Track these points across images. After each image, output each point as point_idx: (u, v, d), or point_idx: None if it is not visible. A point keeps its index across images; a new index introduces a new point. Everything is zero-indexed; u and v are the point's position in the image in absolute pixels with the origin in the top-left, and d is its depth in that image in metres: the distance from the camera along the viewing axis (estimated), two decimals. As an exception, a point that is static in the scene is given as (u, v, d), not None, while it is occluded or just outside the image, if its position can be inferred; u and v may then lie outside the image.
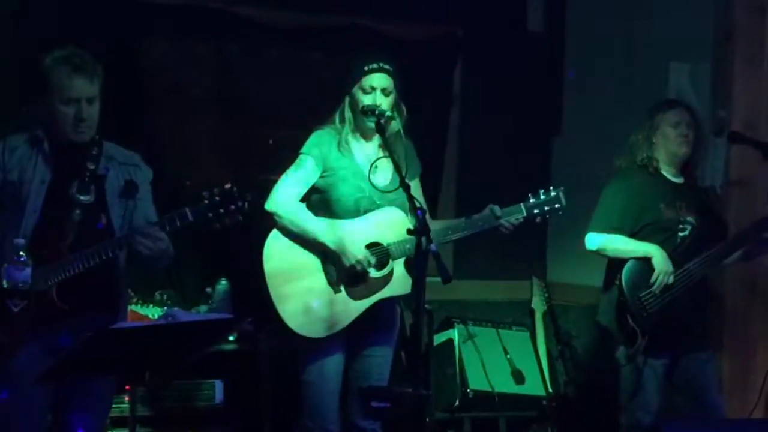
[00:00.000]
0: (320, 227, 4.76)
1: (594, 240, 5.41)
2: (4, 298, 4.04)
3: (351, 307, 4.78)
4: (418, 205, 4.34)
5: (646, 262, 5.28)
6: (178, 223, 4.22)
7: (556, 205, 4.89)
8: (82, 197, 4.30)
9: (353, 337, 4.88)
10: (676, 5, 6.40)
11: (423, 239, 4.21)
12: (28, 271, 4.04)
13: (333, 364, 4.85)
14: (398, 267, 4.82)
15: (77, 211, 4.28)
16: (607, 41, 6.90)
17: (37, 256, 4.14)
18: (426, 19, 6.85)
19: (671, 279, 5.25)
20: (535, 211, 4.88)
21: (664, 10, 6.49)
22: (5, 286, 4.04)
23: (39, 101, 4.31)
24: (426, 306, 4.49)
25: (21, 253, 4.05)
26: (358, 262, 4.71)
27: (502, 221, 4.85)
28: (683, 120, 5.40)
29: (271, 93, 6.72)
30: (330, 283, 4.77)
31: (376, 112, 4.69)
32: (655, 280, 5.25)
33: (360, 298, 4.79)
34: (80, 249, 4.20)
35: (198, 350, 4.24)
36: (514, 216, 4.86)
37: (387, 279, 4.81)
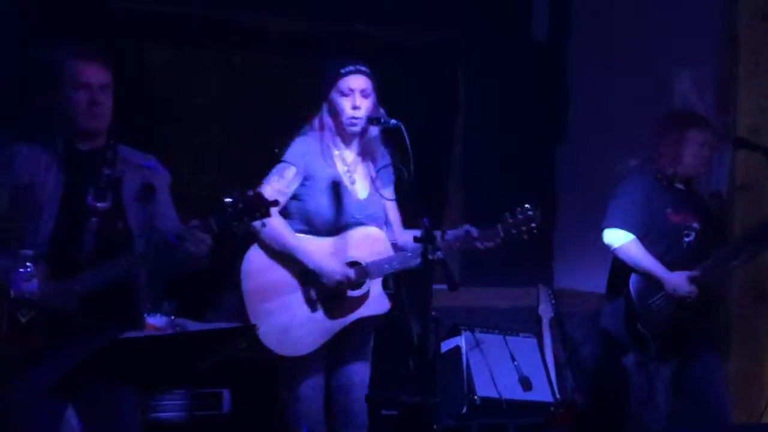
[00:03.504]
0: (300, 245, 4.70)
1: (615, 237, 5.39)
2: (13, 309, 4.04)
3: (328, 326, 4.74)
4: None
5: None
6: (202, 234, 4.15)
7: (532, 224, 4.86)
8: (98, 204, 4.23)
9: (331, 354, 4.85)
10: (681, 11, 6.41)
11: (429, 247, 4.22)
12: (35, 281, 4.01)
13: (317, 379, 4.82)
14: (375, 286, 4.80)
15: (93, 219, 4.23)
16: (612, 48, 6.91)
17: (54, 268, 4.12)
18: (429, 26, 6.86)
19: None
20: (513, 231, 4.83)
21: (668, 17, 6.50)
22: (12, 296, 4.03)
23: (50, 98, 4.30)
24: (433, 313, 4.49)
25: (27, 264, 4.05)
26: (339, 282, 4.69)
27: (477, 244, 4.83)
28: (708, 141, 5.43)
29: (275, 101, 6.73)
30: (307, 301, 4.74)
31: (381, 120, 4.67)
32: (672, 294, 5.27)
33: (337, 317, 4.75)
34: (99, 259, 4.13)
35: (206, 359, 4.23)
36: (492, 240, 4.83)
37: (364, 298, 4.78)
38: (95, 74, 4.27)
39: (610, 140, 6.66)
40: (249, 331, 4.29)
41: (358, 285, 4.75)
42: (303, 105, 6.53)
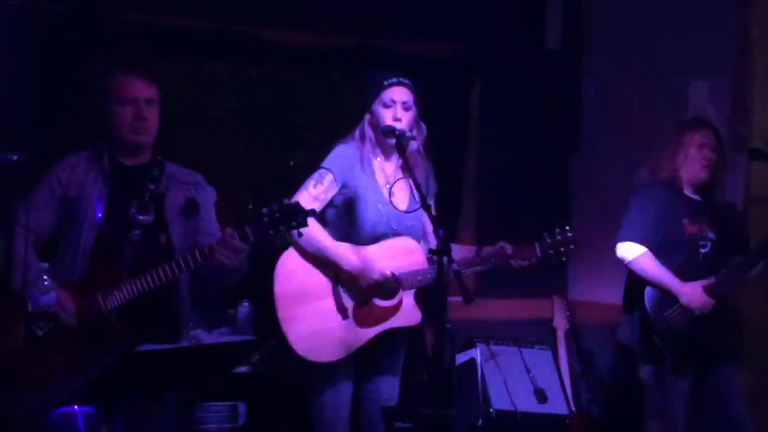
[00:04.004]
0: (336, 247, 4.71)
1: (628, 251, 5.38)
2: (30, 322, 4.05)
3: (358, 334, 4.75)
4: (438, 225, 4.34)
5: None
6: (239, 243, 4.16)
7: (571, 246, 4.87)
8: (141, 217, 4.28)
9: (360, 365, 4.87)
10: (694, 21, 6.40)
11: (444, 259, 4.22)
12: (53, 294, 4.02)
13: (343, 388, 4.83)
14: (407, 298, 4.80)
15: (136, 231, 4.27)
16: (625, 58, 6.90)
17: (95, 278, 4.15)
18: (443, 38, 6.85)
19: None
20: (550, 251, 4.86)
21: (682, 27, 6.49)
22: (30, 309, 4.04)
23: (97, 113, 4.33)
24: (447, 326, 4.49)
25: (45, 276, 4.06)
26: (376, 282, 4.69)
27: (512, 262, 4.84)
28: (709, 143, 5.41)
29: (290, 114, 6.74)
30: (339, 308, 4.74)
31: (396, 132, 4.67)
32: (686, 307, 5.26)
33: (368, 326, 4.76)
34: (140, 271, 4.16)
35: (221, 372, 4.24)
36: (527, 259, 4.85)
37: (395, 309, 4.79)
38: (141, 89, 4.31)
39: (623, 149, 6.65)
40: (263, 344, 4.29)
41: (390, 295, 4.75)
42: (318, 118, 6.60)
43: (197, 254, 4.16)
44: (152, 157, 4.39)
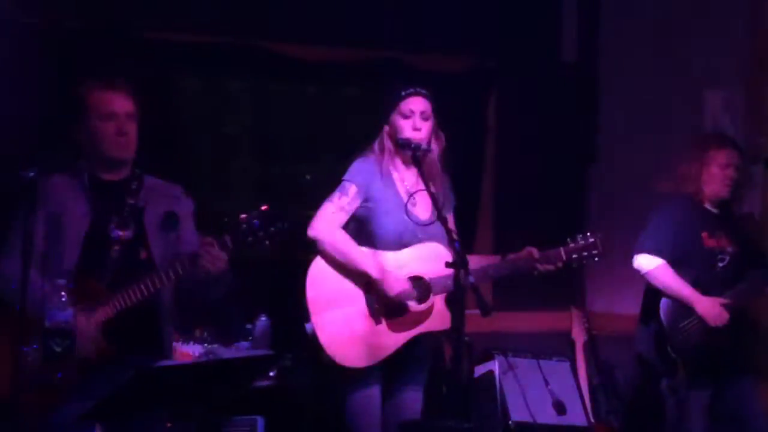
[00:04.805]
0: (363, 256, 4.73)
1: (644, 262, 5.38)
2: (47, 339, 4.06)
3: (390, 339, 4.75)
4: (455, 238, 4.35)
5: None
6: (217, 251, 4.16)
7: (594, 251, 4.87)
8: (120, 233, 4.28)
9: (388, 372, 4.87)
10: (710, 32, 6.40)
11: (461, 272, 4.22)
12: (70, 311, 4.03)
13: (374, 394, 4.82)
14: (439, 302, 4.80)
15: (116, 248, 4.28)
16: (640, 68, 6.90)
17: (77, 296, 4.16)
18: (459, 51, 6.87)
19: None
20: (574, 256, 4.86)
21: (697, 37, 6.49)
22: (47, 326, 4.05)
23: (77, 130, 4.34)
24: (465, 338, 4.48)
25: (62, 293, 4.07)
26: (399, 294, 4.70)
27: (538, 265, 4.84)
28: (732, 163, 5.41)
29: (306, 128, 6.75)
30: (371, 313, 4.75)
31: (413, 145, 4.68)
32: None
33: (400, 331, 4.76)
34: (120, 287, 4.17)
35: (239, 387, 4.24)
36: (553, 263, 4.85)
37: (427, 313, 4.79)
38: (121, 103, 4.32)
39: (640, 160, 6.65)
40: (281, 359, 4.29)
41: (422, 300, 4.76)
42: (335, 132, 6.61)
43: (180, 263, 4.18)
44: (131, 172, 4.40)
